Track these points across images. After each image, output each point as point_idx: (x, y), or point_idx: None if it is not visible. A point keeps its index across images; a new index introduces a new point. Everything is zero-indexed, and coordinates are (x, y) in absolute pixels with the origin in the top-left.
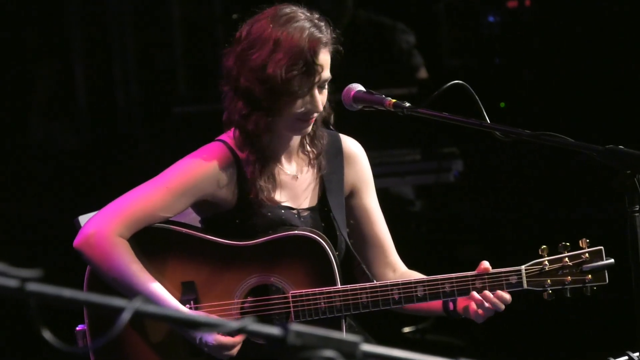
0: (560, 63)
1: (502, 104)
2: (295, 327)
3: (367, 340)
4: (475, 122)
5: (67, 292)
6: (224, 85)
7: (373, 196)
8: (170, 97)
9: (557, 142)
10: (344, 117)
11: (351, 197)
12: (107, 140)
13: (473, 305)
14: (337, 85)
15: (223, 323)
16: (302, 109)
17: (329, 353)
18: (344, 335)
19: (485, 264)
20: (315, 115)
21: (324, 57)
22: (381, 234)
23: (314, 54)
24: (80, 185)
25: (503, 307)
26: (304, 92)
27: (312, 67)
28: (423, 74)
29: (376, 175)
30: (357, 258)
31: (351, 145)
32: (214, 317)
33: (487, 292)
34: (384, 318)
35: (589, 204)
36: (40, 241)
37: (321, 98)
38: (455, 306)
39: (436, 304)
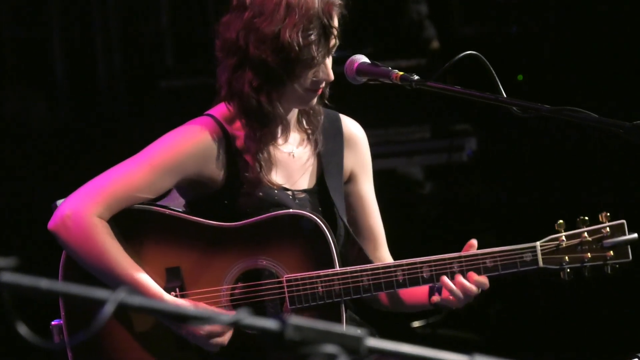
0: (584, 31)
1: (520, 77)
2: (294, 320)
3: (372, 335)
4: (490, 97)
5: (44, 283)
6: (226, 57)
7: (370, 184)
8: (157, 69)
9: (579, 118)
10: (346, 91)
11: (348, 183)
12: (87, 116)
13: (447, 293)
14: (343, 56)
15: (214, 316)
16: (315, 78)
17: (330, 348)
18: (346, 328)
19: (473, 242)
20: (324, 84)
21: (336, 21)
22: (375, 226)
23: (330, 16)
24: (58, 167)
25: (477, 291)
26: (321, 59)
27: (328, 31)
28: (434, 44)
29: (382, 155)
30: (359, 244)
31: (352, 127)
32: (204, 309)
33: (460, 279)
34: (392, 313)
35: (612, 184)
36: (15, 228)
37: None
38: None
39: (421, 294)
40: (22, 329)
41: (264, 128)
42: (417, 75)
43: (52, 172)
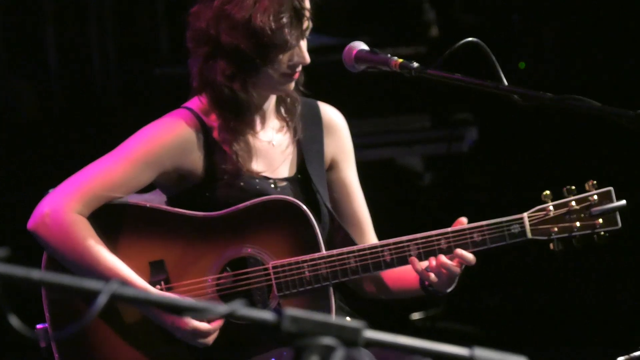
0: (586, 18)
1: (522, 65)
2: (291, 312)
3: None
4: (492, 85)
5: (36, 274)
6: (197, 47)
7: (353, 170)
8: (152, 57)
9: (582, 107)
10: (343, 79)
11: (330, 170)
12: (80, 106)
13: (432, 273)
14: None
15: (210, 307)
16: (290, 62)
17: (328, 340)
18: (338, 317)
19: (462, 219)
20: (300, 68)
21: (308, 2)
22: (360, 212)
23: None
24: (50, 158)
25: (458, 270)
26: (295, 41)
27: (300, 13)
28: (433, 30)
29: (380, 145)
30: (344, 229)
31: (331, 114)
32: (197, 301)
33: (440, 256)
34: (388, 302)
35: (617, 174)
36: (4, 221)
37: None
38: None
39: (414, 281)
40: (14, 321)
41: (238, 117)
42: (416, 62)
43: (45, 162)
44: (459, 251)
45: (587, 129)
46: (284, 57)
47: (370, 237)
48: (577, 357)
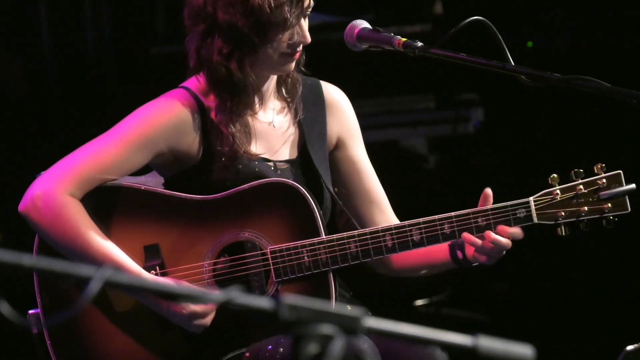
0: None
1: (529, 44)
2: (289, 299)
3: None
4: (498, 65)
5: (27, 259)
6: (194, 25)
7: (362, 147)
8: (148, 36)
9: (590, 88)
10: (346, 59)
11: (337, 150)
12: (74, 85)
13: (473, 250)
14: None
15: (205, 294)
16: (290, 41)
17: (326, 329)
18: (339, 304)
19: (487, 192)
20: (300, 48)
21: None
22: (374, 188)
23: None
24: (43, 139)
25: (507, 243)
26: (295, 20)
27: None
28: (438, 9)
29: (384, 126)
30: (347, 213)
31: (333, 93)
32: (194, 288)
33: (489, 233)
34: (392, 288)
35: (626, 157)
36: None
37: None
38: (464, 253)
39: (442, 254)
40: (4, 307)
41: (235, 98)
42: (420, 42)
43: (36, 143)
44: (466, 236)
45: (597, 110)
46: (283, 36)
47: (389, 214)
48: (585, 346)
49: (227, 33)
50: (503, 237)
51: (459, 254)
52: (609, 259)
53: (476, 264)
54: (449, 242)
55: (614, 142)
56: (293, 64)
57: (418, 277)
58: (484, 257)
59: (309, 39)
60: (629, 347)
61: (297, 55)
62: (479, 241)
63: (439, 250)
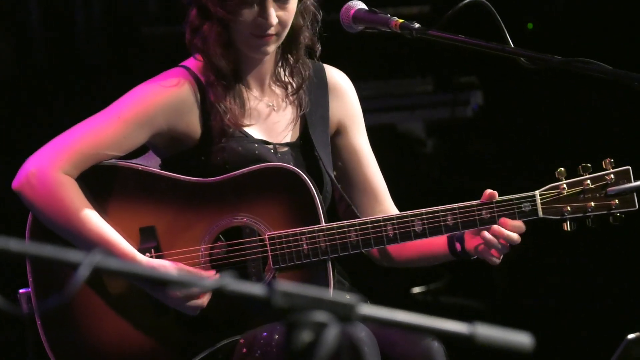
0: None
1: (530, 25)
2: (283, 286)
3: (364, 301)
4: (497, 47)
5: (14, 244)
6: (189, 5)
7: (363, 134)
8: (139, 15)
9: (591, 70)
10: (342, 41)
11: (338, 136)
12: (63, 66)
13: (483, 245)
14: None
15: (196, 280)
16: (254, 22)
17: (321, 316)
18: (336, 293)
19: (493, 193)
20: (271, 32)
21: None
22: (373, 178)
23: None
24: (30, 121)
25: (518, 239)
26: None
27: None
28: None
29: (381, 109)
30: (347, 199)
31: (337, 77)
32: (184, 270)
33: (496, 227)
34: (388, 276)
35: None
36: None
37: (284, 14)
38: (463, 245)
39: (440, 245)
40: None
41: (227, 79)
42: (418, 23)
43: (24, 127)
44: (503, 229)
45: (605, 97)
46: (246, 13)
47: (387, 205)
48: (586, 335)
49: (204, 12)
50: (507, 230)
51: (458, 246)
52: (611, 245)
53: (475, 257)
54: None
55: (621, 130)
56: (267, 48)
57: (414, 268)
58: (494, 251)
59: (272, 22)
60: (631, 336)
61: (268, 39)
62: (494, 240)
63: (437, 242)
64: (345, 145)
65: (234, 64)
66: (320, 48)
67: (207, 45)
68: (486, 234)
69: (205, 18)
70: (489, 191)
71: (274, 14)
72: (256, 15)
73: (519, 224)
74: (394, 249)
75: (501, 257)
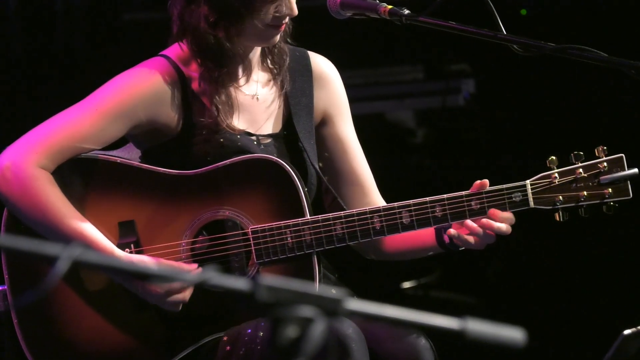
0: None
1: (523, 11)
2: (266, 280)
3: (351, 296)
4: (489, 33)
5: None
6: None
7: (349, 124)
8: (120, 1)
9: (587, 58)
10: (329, 27)
11: (323, 125)
12: (41, 53)
13: (467, 235)
14: None
15: (178, 274)
16: (277, 13)
17: (306, 311)
18: (322, 287)
19: (484, 182)
20: (286, 20)
21: None
22: (360, 169)
23: None
24: (5, 112)
25: (508, 229)
26: None
27: None
28: None
29: (369, 98)
30: (333, 192)
31: (322, 64)
32: (165, 265)
33: (485, 220)
34: (377, 270)
35: (629, 139)
36: None
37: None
38: (451, 238)
39: (428, 237)
40: None
41: (222, 69)
42: (408, 9)
43: (0, 114)
44: (469, 223)
45: (599, 86)
46: (270, 7)
47: (374, 197)
48: (581, 330)
49: (214, 0)
50: (497, 222)
51: (446, 238)
52: (607, 238)
53: (463, 248)
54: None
55: (616, 119)
56: (278, 36)
57: (401, 260)
58: (476, 239)
59: (295, 11)
60: (626, 332)
61: (283, 27)
62: (480, 230)
63: (425, 234)
64: (331, 135)
65: (226, 54)
66: (291, 29)
67: (199, 35)
68: (469, 222)
69: (197, 6)
70: (479, 181)
71: (295, 4)
72: (279, 5)
73: (508, 215)
74: (380, 242)
75: (483, 246)
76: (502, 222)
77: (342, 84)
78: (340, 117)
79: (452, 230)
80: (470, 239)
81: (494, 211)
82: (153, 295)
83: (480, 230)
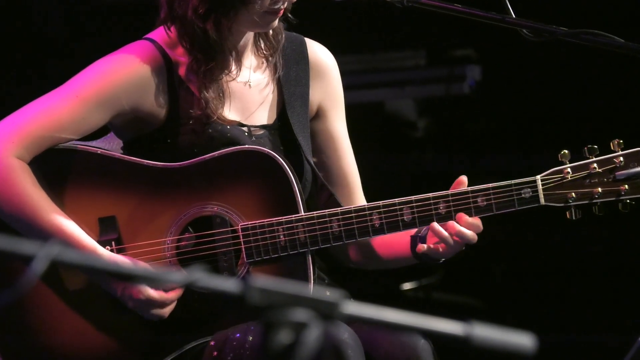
0: None
1: None
2: (258, 281)
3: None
4: (497, 17)
5: None
6: None
7: (342, 121)
8: None
9: (601, 44)
10: (326, 10)
11: (316, 119)
12: (17, 38)
13: (436, 241)
14: None
15: (164, 275)
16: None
17: (299, 315)
18: (317, 289)
19: (462, 178)
20: (285, 5)
21: None
22: (348, 170)
23: None
24: None
25: (473, 237)
26: None
27: None
28: None
29: (369, 85)
30: (329, 188)
31: (320, 53)
32: (151, 267)
33: (451, 223)
34: (377, 271)
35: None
36: None
37: None
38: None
39: (402, 246)
40: None
41: (209, 61)
42: None
43: None
44: (468, 219)
45: (615, 75)
46: None
47: (358, 198)
48: (594, 335)
49: None
50: (463, 226)
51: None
52: (620, 236)
53: (437, 258)
54: (410, 234)
55: (633, 110)
56: (276, 22)
57: (375, 270)
58: (445, 247)
59: None
60: None
61: (282, 12)
62: (445, 233)
63: (400, 241)
64: (323, 131)
65: (214, 47)
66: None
67: (187, 25)
68: (435, 225)
69: (212, 4)
70: (458, 179)
71: None
72: None
73: (475, 221)
74: (355, 248)
75: (450, 254)
76: (467, 227)
77: (339, 76)
78: (335, 112)
79: (421, 247)
80: (437, 247)
81: (460, 215)
82: (134, 300)
83: (447, 235)
